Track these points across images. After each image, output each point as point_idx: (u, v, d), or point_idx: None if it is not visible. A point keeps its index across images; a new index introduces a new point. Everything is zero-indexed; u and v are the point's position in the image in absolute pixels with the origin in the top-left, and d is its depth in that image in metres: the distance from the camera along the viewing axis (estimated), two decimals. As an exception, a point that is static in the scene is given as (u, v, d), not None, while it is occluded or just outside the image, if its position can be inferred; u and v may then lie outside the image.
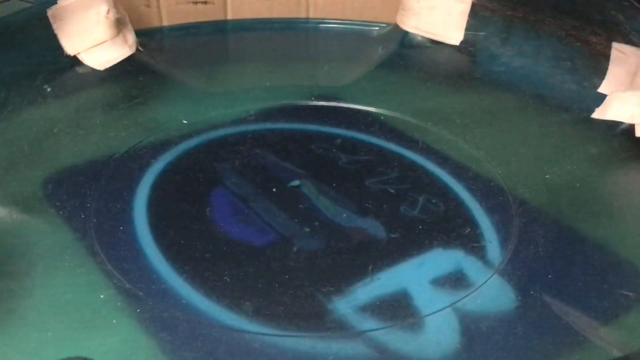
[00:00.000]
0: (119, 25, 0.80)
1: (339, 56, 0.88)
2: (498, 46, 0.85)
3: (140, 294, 0.50)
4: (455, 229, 0.58)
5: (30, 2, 0.83)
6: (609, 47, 0.76)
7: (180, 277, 0.52)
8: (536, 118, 0.74)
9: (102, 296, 0.50)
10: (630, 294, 0.52)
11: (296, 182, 0.63)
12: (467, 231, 0.58)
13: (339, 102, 0.76)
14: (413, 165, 0.66)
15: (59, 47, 0.77)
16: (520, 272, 0.54)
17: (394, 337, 0.48)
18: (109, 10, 0.78)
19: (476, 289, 0.52)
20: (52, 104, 0.73)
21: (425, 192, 0.62)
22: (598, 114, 0.72)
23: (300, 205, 0.60)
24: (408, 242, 0.57)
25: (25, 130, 0.69)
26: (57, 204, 0.59)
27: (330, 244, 0.56)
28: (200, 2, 0.89)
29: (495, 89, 0.80)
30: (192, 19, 0.90)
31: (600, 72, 0.76)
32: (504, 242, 0.57)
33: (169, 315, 0.49)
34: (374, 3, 0.91)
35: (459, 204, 0.61)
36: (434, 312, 0.50)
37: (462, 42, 0.85)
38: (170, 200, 0.61)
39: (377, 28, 0.91)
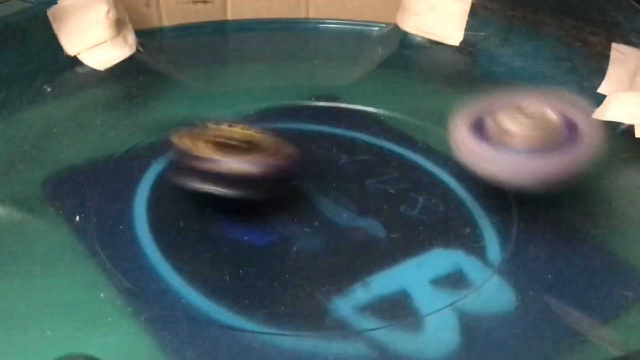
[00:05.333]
0: (119, 25, 0.80)
1: (339, 56, 0.88)
2: (498, 46, 0.85)
3: (140, 293, 0.50)
4: (455, 229, 0.58)
5: (30, 2, 0.83)
6: (609, 47, 0.76)
7: (180, 277, 0.52)
8: (536, 118, 0.74)
9: (102, 295, 0.50)
10: (630, 294, 0.52)
11: (295, 182, 0.63)
12: (467, 231, 0.58)
13: (339, 102, 0.76)
14: (413, 165, 0.66)
15: (59, 47, 0.77)
16: (520, 272, 0.54)
17: (394, 337, 0.48)
18: (109, 11, 0.78)
19: (476, 289, 0.52)
20: (52, 104, 0.74)
21: (425, 192, 0.62)
22: (598, 114, 0.72)
23: (300, 205, 0.60)
24: (408, 242, 0.57)
25: (25, 130, 0.69)
26: (57, 204, 0.59)
27: (330, 244, 0.56)
28: (200, 2, 0.89)
29: (495, 89, 0.80)
30: (192, 19, 0.90)
31: (600, 72, 0.76)
32: (504, 242, 0.57)
33: (169, 315, 0.49)
34: (374, 3, 0.91)
35: (459, 204, 0.61)
36: (434, 312, 0.50)
37: (462, 42, 0.85)
38: (170, 200, 0.61)
39: (377, 28, 0.91)
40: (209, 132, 0.59)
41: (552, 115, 0.56)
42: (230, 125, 0.60)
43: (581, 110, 0.58)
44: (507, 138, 0.55)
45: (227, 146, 0.57)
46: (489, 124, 0.57)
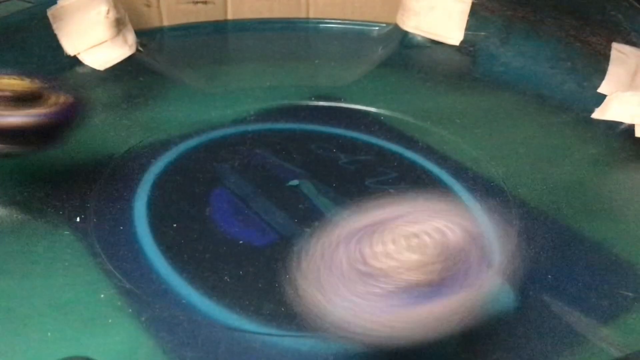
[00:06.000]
0: (119, 25, 0.80)
1: (339, 56, 0.88)
2: (498, 46, 0.85)
3: (140, 294, 0.50)
4: (455, 229, 0.58)
5: (30, 2, 0.83)
6: (609, 47, 0.76)
7: (180, 277, 0.52)
8: (536, 118, 0.74)
9: (102, 296, 0.50)
10: (630, 294, 0.52)
11: (295, 182, 0.63)
12: (467, 231, 0.58)
13: (339, 102, 0.76)
14: (413, 165, 0.66)
15: (59, 47, 0.78)
16: (520, 272, 0.54)
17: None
18: (109, 10, 0.78)
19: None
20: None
21: (425, 192, 0.62)
22: (598, 114, 0.72)
23: (300, 205, 0.60)
24: (408, 242, 0.57)
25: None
26: (57, 204, 0.59)
27: (330, 244, 0.56)
28: (200, 2, 0.89)
29: (495, 89, 0.80)
30: (192, 19, 0.90)
31: (600, 72, 0.76)
32: (504, 242, 0.57)
33: (169, 315, 0.49)
34: (374, 3, 0.91)
35: (459, 204, 0.61)
36: (434, 312, 0.50)
37: (462, 42, 0.85)
38: (170, 200, 0.61)
39: (377, 28, 0.91)
40: None
41: (444, 240, 0.42)
42: None
43: (480, 231, 0.45)
44: (374, 272, 0.41)
45: None
46: (355, 249, 0.43)
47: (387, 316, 0.40)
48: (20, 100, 0.53)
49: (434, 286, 0.41)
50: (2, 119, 0.52)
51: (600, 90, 0.76)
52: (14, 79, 0.55)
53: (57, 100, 0.56)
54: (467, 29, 0.85)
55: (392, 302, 0.40)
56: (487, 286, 0.42)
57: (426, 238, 0.42)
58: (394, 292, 0.40)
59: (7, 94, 0.53)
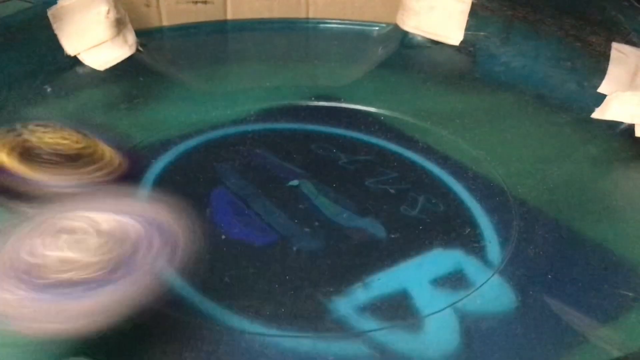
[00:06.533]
0: (119, 25, 0.80)
1: (339, 56, 0.88)
2: (498, 46, 0.85)
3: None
4: (455, 229, 0.58)
5: (30, 2, 0.83)
6: (609, 47, 0.76)
7: (181, 277, 0.52)
8: (536, 118, 0.74)
9: (102, 296, 0.50)
10: (629, 294, 0.52)
11: (295, 182, 0.63)
12: (467, 231, 0.58)
13: (339, 102, 0.76)
14: (413, 165, 0.66)
15: (59, 47, 0.77)
16: (520, 272, 0.54)
17: (394, 338, 0.48)
18: (109, 11, 0.78)
19: (476, 289, 0.52)
20: (52, 104, 0.74)
21: (425, 192, 0.62)
22: (598, 114, 0.72)
23: (300, 205, 0.60)
24: (408, 242, 0.57)
25: (26, 131, 0.69)
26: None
27: (330, 244, 0.56)
28: (200, 2, 0.89)
29: (495, 89, 0.80)
30: (192, 19, 0.90)
31: (600, 72, 0.76)
32: (504, 242, 0.57)
33: (169, 315, 0.49)
34: (374, 3, 0.91)
35: (459, 204, 0.61)
36: (434, 313, 0.50)
37: (462, 42, 0.85)
38: (170, 200, 0.60)
39: (377, 28, 0.91)
40: (17, 138, 0.48)
41: (113, 232, 0.43)
42: (45, 129, 0.49)
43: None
44: (40, 271, 0.41)
45: (36, 157, 0.46)
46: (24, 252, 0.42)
47: (50, 308, 0.40)
48: (67, 161, 0.47)
49: (98, 280, 0.41)
50: (43, 185, 0.46)
51: (600, 90, 0.76)
52: (61, 134, 0.49)
53: (110, 160, 0.50)
54: (467, 29, 0.85)
55: (53, 295, 0.40)
56: (149, 279, 0.42)
57: (91, 232, 0.43)
58: (57, 286, 0.40)
59: (52, 157, 0.47)
